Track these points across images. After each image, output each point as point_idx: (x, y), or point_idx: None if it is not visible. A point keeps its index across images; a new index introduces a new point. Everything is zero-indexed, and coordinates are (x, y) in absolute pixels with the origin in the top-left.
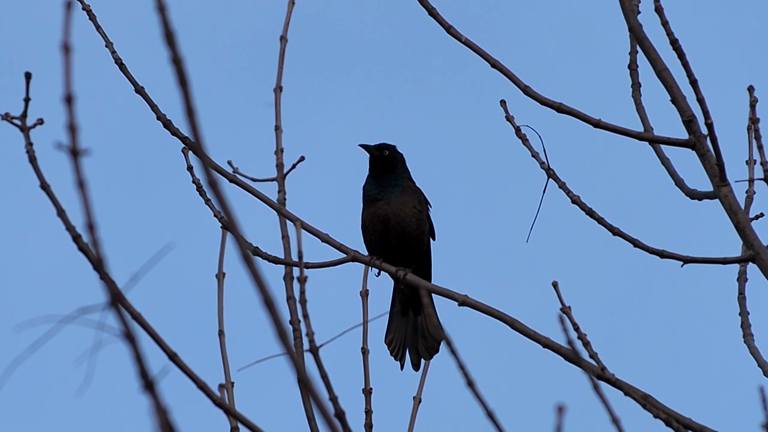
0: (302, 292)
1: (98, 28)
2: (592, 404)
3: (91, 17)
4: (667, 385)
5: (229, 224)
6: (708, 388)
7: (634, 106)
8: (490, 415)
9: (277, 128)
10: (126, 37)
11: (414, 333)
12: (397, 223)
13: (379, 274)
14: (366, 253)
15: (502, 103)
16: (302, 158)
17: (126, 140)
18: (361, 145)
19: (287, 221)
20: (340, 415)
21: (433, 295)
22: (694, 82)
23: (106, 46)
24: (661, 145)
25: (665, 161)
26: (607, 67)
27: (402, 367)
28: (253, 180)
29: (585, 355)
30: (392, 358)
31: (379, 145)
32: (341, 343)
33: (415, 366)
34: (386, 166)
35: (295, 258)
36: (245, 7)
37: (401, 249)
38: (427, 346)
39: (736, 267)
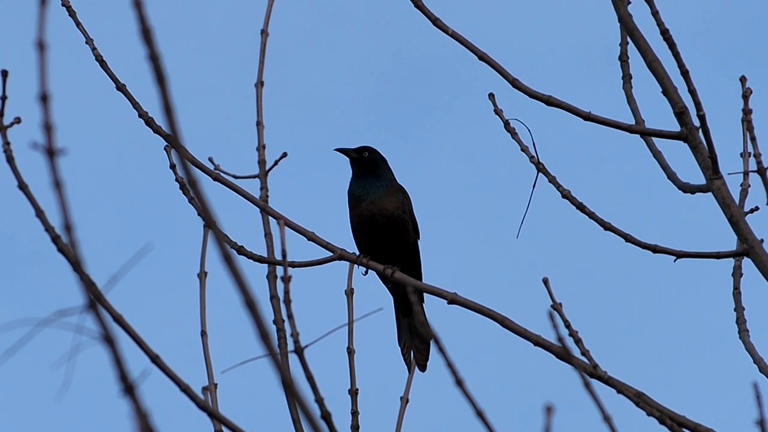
0: (286, 292)
1: (78, 24)
2: (584, 402)
3: (71, 13)
4: (660, 383)
5: (209, 223)
6: (702, 385)
7: (624, 98)
8: (480, 415)
9: (259, 124)
10: (108, 33)
11: (410, 333)
12: (383, 223)
13: (366, 272)
14: (354, 251)
15: (491, 96)
16: (284, 154)
17: (108, 138)
18: (337, 149)
19: (270, 219)
20: (326, 416)
21: (422, 293)
22: (685, 73)
23: (87, 43)
24: (653, 138)
25: (657, 154)
26: (597, 59)
27: (410, 369)
28: (235, 177)
29: (576, 352)
30: (403, 360)
31: (359, 147)
32: (327, 343)
33: (421, 367)
34: (368, 166)
35: (279, 256)
36: (225, 1)
37: (389, 248)
38: (416, 346)
39: (731, 261)
